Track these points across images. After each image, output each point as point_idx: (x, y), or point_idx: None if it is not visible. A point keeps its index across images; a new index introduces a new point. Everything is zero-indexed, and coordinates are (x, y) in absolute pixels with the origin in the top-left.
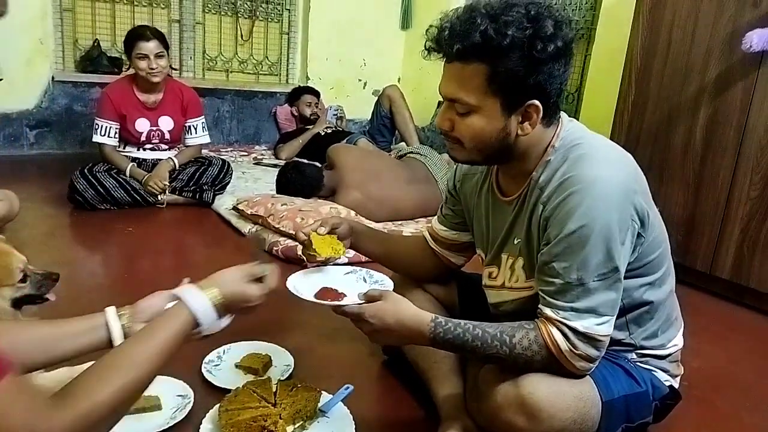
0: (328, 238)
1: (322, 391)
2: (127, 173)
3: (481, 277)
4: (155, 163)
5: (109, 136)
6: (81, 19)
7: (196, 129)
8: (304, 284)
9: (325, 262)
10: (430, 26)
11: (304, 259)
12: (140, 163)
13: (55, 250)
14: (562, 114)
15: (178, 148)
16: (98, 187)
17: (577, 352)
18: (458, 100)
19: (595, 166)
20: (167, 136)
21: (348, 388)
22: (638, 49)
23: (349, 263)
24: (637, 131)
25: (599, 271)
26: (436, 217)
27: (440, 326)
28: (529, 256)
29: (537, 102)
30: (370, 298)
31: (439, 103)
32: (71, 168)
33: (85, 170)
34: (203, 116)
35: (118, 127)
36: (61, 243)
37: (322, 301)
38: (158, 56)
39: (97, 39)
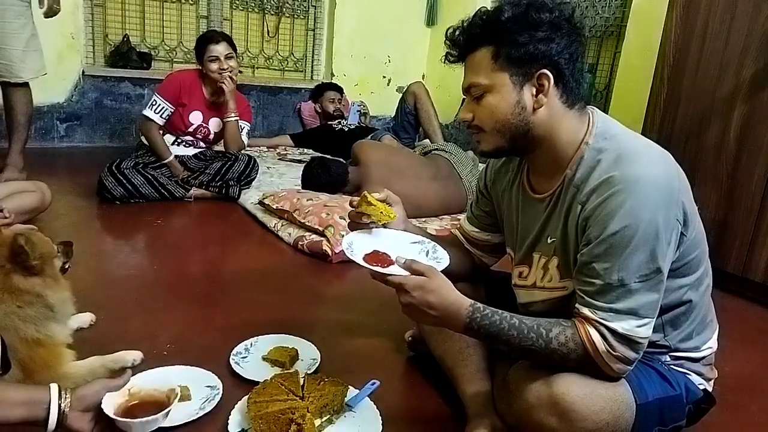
0: (380, 204)
1: (349, 386)
2: (167, 161)
3: (509, 276)
4: (184, 159)
5: (160, 116)
6: (111, 14)
7: (241, 129)
8: (360, 243)
9: (372, 226)
10: (445, 33)
11: (329, 247)
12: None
13: (85, 241)
14: (595, 109)
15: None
16: (126, 184)
17: (614, 353)
18: (472, 85)
19: (636, 164)
20: (211, 136)
21: (375, 383)
22: (671, 46)
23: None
24: (669, 130)
25: (641, 272)
26: (465, 217)
27: (478, 311)
28: (564, 256)
29: (546, 71)
30: (414, 270)
31: (464, 101)
32: (100, 161)
33: (113, 167)
34: (250, 124)
35: (172, 111)
36: (91, 234)
37: (365, 264)
38: (228, 57)
39: (126, 34)
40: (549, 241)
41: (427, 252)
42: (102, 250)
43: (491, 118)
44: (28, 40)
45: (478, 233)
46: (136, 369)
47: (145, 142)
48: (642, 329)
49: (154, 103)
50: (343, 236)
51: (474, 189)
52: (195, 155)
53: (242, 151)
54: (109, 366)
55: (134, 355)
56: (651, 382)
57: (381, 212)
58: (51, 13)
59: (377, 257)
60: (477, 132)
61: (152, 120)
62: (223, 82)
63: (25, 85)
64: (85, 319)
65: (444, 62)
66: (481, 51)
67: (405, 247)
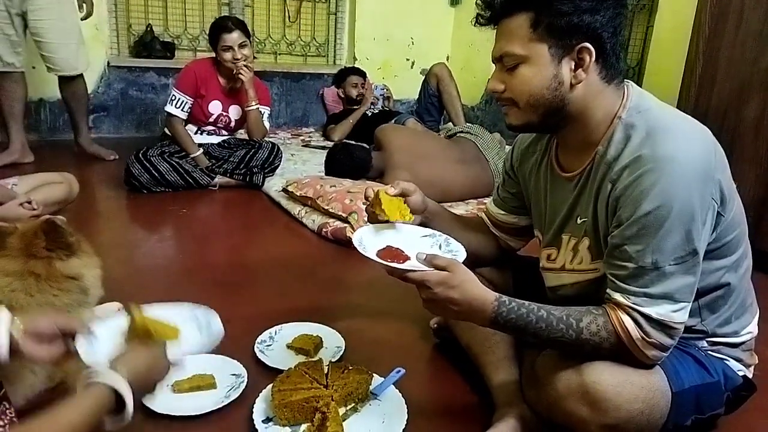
0: (396, 200)
1: (374, 374)
2: (194, 156)
3: (536, 260)
4: (208, 148)
5: (182, 110)
6: (134, 5)
7: (262, 115)
8: (370, 239)
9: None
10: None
11: (352, 233)
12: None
13: (112, 231)
14: (629, 83)
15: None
16: (153, 171)
17: (649, 340)
18: (505, 54)
19: (671, 141)
20: (232, 123)
21: (400, 371)
22: (707, 18)
23: None
24: (705, 106)
25: (676, 254)
26: (491, 200)
27: (504, 305)
28: (596, 237)
29: (588, 44)
30: (435, 265)
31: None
32: (127, 151)
33: (140, 155)
34: (270, 108)
35: (192, 102)
36: (118, 224)
37: (381, 261)
38: (241, 46)
39: (150, 24)
40: (579, 221)
41: (440, 245)
42: (129, 240)
43: (525, 91)
44: (79, 35)
45: (505, 216)
46: None
47: (170, 133)
48: (678, 314)
49: (173, 98)
50: (366, 222)
51: (500, 171)
52: (219, 143)
53: (266, 139)
54: None
55: None
56: (687, 369)
57: (399, 211)
58: (87, 16)
59: (391, 253)
60: (507, 104)
61: (175, 116)
62: (240, 73)
63: (81, 75)
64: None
65: (474, 25)
66: (518, 17)
67: (416, 241)
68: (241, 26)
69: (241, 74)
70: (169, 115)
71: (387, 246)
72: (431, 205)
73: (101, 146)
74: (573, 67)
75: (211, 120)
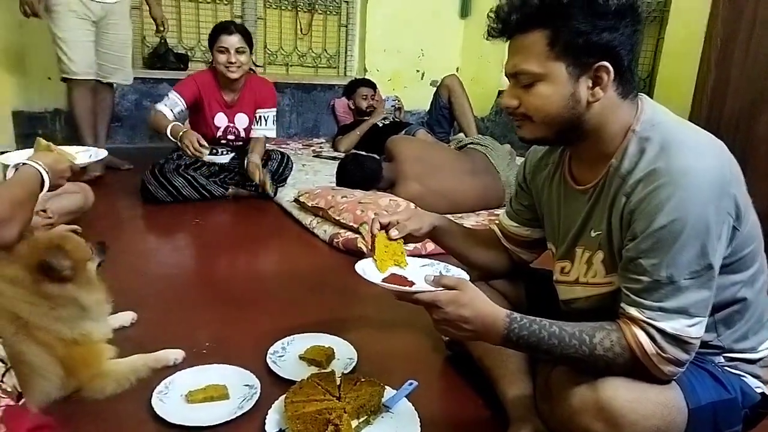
0: (394, 244)
1: (386, 386)
2: (168, 132)
3: (550, 273)
4: (225, 165)
5: (170, 110)
6: (148, 17)
7: (266, 120)
8: (373, 269)
9: None
10: (490, 10)
11: (363, 244)
12: (212, 164)
13: (127, 240)
14: (642, 95)
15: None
16: (169, 187)
17: (665, 355)
18: (521, 72)
19: (685, 154)
20: (242, 133)
21: (412, 383)
22: (719, 29)
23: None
24: (717, 119)
25: (691, 269)
26: (504, 212)
27: (516, 322)
28: (610, 250)
29: (606, 63)
30: (444, 285)
31: (499, 93)
32: (141, 161)
33: (156, 171)
34: (275, 109)
35: (184, 110)
36: (132, 233)
37: (390, 285)
38: (239, 51)
39: (164, 36)
40: (593, 234)
41: (440, 272)
42: (143, 249)
43: (541, 109)
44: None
45: (518, 228)
46: (177, 367)
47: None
48: (693, 329)
49: (166, 99)
50: None
51: (511, 183)
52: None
53: (276, 149)
54: (151, 364)
55: (176, 354)
56: (704, 385)
57: (394, 260)
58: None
59: (396, 279)
60: (521, 119)
61: (160, 111)
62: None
63: (113, 86)
64: (127, 317)
65: (486, 38)
66: (534, 34)
67: (416, 271)
68: (244, 33)
69: (231, 74)
70: (156, 111)
71: (391, 273)
72: (439, 221)
73: (116, 156)
74: (590, 85)
75: (220, 134)
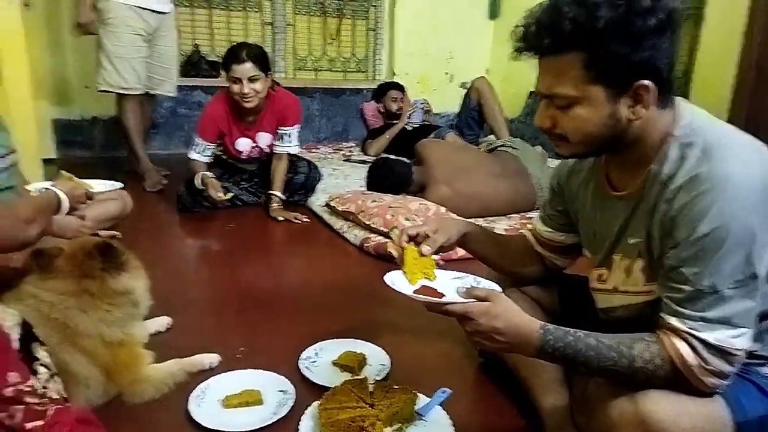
0: (423, 259)
1: (419, 394)
2: (197, 182)
3: (585, 279)
4: (254, 172)
5: (202, 155)
6: (182, 26)
7: (290, 137)
8: (403, 281)
9: None
10: (516, 27)
11: (394, 248)
12: (243, 171)
13: (163, 245)
14: (679, 99)
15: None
16: (204, 203)
17: (707, 367)
18: (556, 95)
19: (728, 159)
20: (266, 149)
21: (445, 391)
22: (760, 25)
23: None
24: (756, 120)
25: (735, 278)
26: (537, 217)
27: (550, 333)
28: (650, 258)
29: (647, 82)
30: (475, 296)
31: (531, 94)
32: (177, 167)
33: (192, 188)
34: (299, 125)
35: (213, 147)
36: (167, 239)
37: (420, 296)
38: (252, 80)
39: (196, 44)
40: (631, 241)
41: (470, 286)
42: (177, 254)
43: (579, 130)
44: None
45: (552, 233)
46: (212, 372)
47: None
48: (738, 340)
49: (195, 144)
50: None
51: (543, 185)
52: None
53: (303, 159)
54: (187, 369)
55: (211, 359)
56: (750, 397)
57: (423, 272)
58: None
59: (427, 291)
60: (559, 140)
61: (197, 161)
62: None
63: (155, 97)
64: (163, 322)
65: (512, 56)
66: (568, 56)
67: (447, 283)
68: (256, 58)
69: (246, 104)
70: (192, 160)
71: (421, 285)
72: (468, 228)
73: (153, 162)
74: (631, 103)
75: (243, 156)
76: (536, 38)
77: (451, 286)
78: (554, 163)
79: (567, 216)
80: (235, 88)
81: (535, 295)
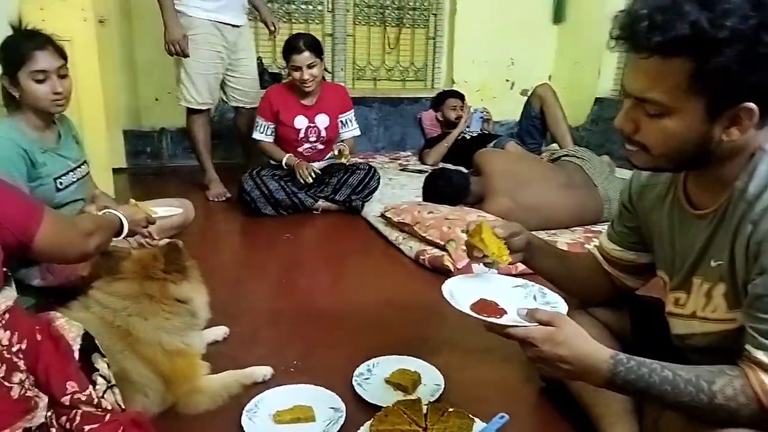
0: (497, 239)
1: (475, 418)
2: (284, 162)
3: (659, 301)
4: (318, 176)
5: (265, 134)
6: None
7: (351, 122)
8: (461, 291)
9: (483, 262)
10: (619, 12)
11: (450, 262)
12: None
13: (222, 254)
14: None
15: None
16: (263, 187)
17: None
18: (650, 101)
19: None
20: (323, 133)
21: (503, 417)
22: None
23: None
24: None
25: None
26: (604, 234)
27: (621, 365)
28: (732, 283)
29: (752, 105)
30: (538, 320)
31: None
32: (239, 176)
33: (253, 173)
34: (352, 110)
35: (274, 126)
36: (226, 248)
37: (478, 315)
38: (310, 66)
39: (260, 57)
40: (713, 264)
41: (534, 296)
42: (236, 264)
43: (665, 143)
44: None
45: (622, 252)
46: (266, 384)
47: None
48: None
49: (257, 125)
50: (465, 251)
51: (610, 197)
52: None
53: (363, 161)
54: (241, 381)
55: (265, 371)
56: None
57: (498, 247)
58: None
59: (486, 306)
60: (638, 148)
61: (261, 140)
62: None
63: None
64: (220, 332)
65: (610, 43)
66: (675, 61)
67: (508, 292)
68: (312, 47)
69: (306, 87)
70: (255, 141)
71: (480, 299)
72: (536, 242)
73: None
74: (728, 124)
75: (302, 135)
76: (644, 33)
77: (513, 296)
78: (623, 173)
79: (638, 234)
80: (296, 75)
81: (603, 318)
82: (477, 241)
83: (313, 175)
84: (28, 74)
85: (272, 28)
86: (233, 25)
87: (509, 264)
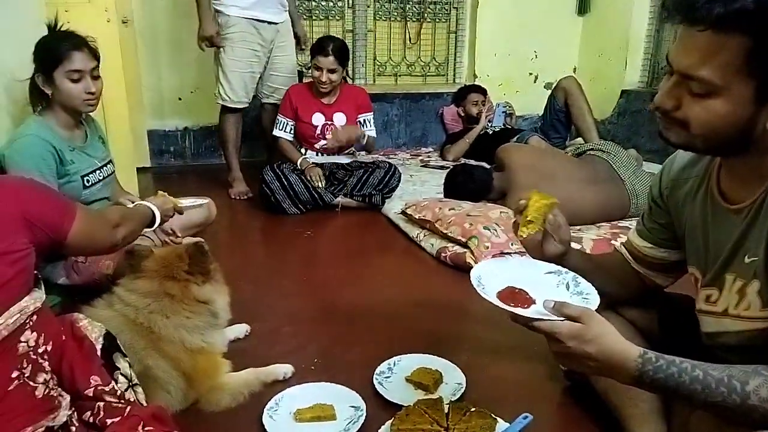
0: (548, 203)
1: (498, 418)
2: (298, 164)
3: (688, 298)
4: (329, 166)
5: (285, 131)
6: None
7: (370, 122)
8: (490, 276)
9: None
10: None
11: (472, 259)
12: (316, 165)
13: (243, 251)
14: None
15: (351, 153)
16: (283, 179)
17: None
18: (697, 78)
19: None
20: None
21: (527, 417)
22: None
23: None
24: None
25: None
26: (633, 231)
27: (650, 363)
28: (767, 280)
29: None
30: (566, 315)
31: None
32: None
33: (274, 165)
34: (372, 113)
35: (294, 124)
36: (249, 245)
37: (504, 305)
38: (331, 71)
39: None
40: (747, 260)
41: (567, 285)
42: (257, 261)
43: (707, 124)
44: None
45: (652, 249)
46: (286, 382)
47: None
48: None
49: (278, 122)
50: (487, 248)
51: (638, 192)
52: (340, 166)
53: (383, 159)
54: (262, 378)
55: (285, 369)
56: None
57: (527, 215)
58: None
59: (513, 294)
60: (675, 124)
61: (281, 137)
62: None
63: None
64: (242, 329)
65: (663, 20)
66: (732, 38)
67: (540, 278)
68: (339, 53)
69: (322, 88)
70: (275, 138)
71: (508, 286)
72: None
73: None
74: None
75: (318, 132)
76: (704, 4)
77: (545, 283)
78: (650, 167)
79: (670, 230)
80: (316, 74)
81: (631, 316)
82: (532, 200)
83: (323, 182)
84: (64, 73)
85: (303, 47)
86: (270, 23)
87: (526, 236)
